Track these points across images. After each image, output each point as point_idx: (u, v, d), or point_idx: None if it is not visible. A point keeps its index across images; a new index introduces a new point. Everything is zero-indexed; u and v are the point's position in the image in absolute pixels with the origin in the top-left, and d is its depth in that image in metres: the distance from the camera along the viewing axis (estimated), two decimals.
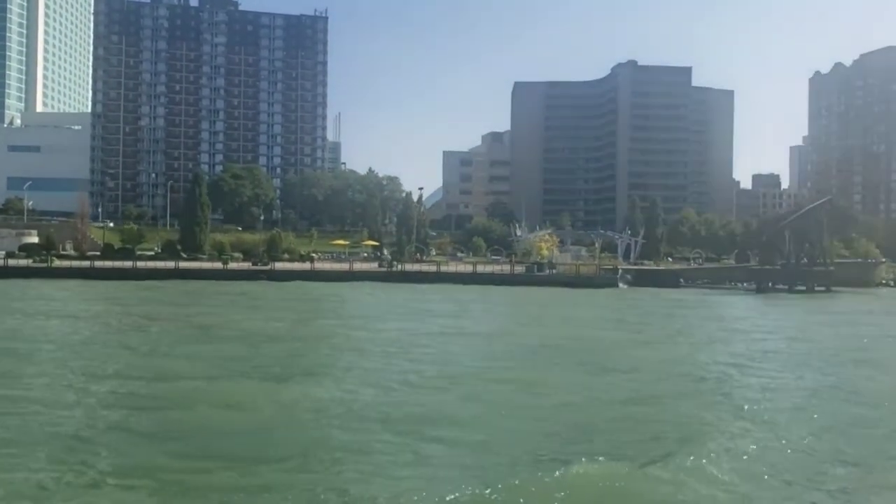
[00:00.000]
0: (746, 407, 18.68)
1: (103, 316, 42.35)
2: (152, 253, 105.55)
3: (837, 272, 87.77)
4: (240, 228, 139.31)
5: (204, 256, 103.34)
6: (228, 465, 12.87)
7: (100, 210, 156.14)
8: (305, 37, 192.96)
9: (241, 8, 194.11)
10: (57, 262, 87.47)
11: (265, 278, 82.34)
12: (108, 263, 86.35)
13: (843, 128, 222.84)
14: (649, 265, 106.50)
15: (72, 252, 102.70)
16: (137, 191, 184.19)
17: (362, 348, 29.05)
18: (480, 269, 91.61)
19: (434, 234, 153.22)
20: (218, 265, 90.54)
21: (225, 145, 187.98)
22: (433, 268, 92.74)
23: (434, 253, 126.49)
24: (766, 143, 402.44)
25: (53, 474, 12.17)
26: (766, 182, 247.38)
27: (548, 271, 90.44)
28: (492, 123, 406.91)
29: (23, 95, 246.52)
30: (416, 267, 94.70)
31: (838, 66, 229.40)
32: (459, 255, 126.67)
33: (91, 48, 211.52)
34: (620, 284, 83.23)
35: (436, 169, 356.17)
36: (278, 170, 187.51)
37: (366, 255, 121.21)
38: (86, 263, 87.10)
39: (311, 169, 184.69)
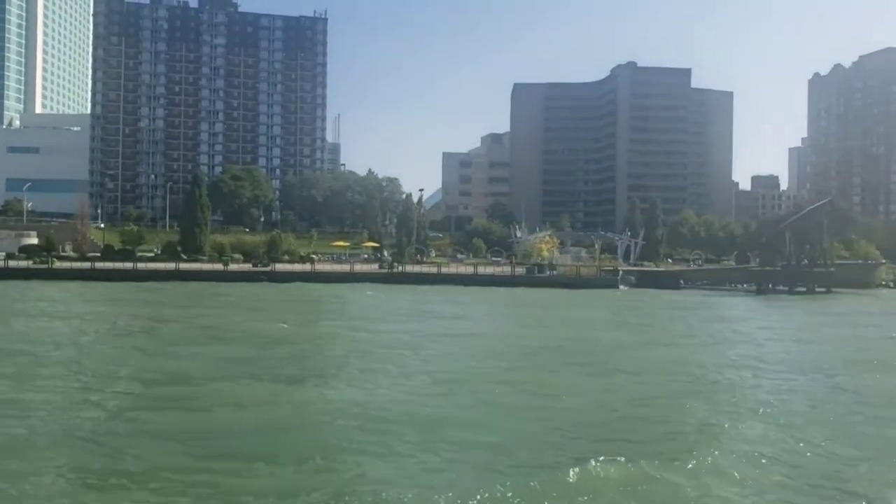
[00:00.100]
0: (762, 410, 18.68)
1: (108, 318, 42.32)
2: (152, 254, 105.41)
3: (838, 273, 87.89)
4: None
5: (204, 258, 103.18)
6: (247, 467, 12.96)
7: (99, 211, 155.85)
8: (305, 38, 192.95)
9: (240, 9, 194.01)
10: (57, 264, 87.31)
11: (266, 280, 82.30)
12: (109, 265, 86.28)
13: (842, 129, 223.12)
14: (649, 266, 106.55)
15: (72, 253, 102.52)
16: (136, 192, 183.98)
17: (369, 350, 29.09)
18: (481, 270, 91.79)
19: (434, 235, 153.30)
20: (218, 267, 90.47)
21: (224, 146, 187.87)
22: (434, 269, 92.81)
23: (434, 254, 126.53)
24: (765, 145, 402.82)
25: (73, 475, 12.21)
26: (765, 183, 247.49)
27: (548, 273, 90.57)
28: (491, 125, 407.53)
29: (22, 97, 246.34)
30: (416, 268, 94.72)
31: (837, 67, 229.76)
32: (459, 256, 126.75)
33: (90, 49, 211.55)
34: (621, 286, 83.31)
35: (435, 170, 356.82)
36: (278, 171, 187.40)
37: (366, 256, 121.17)
38: (86, 265, 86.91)
39: (311, 170, 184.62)
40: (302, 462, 13.23)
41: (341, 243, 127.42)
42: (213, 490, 11.80)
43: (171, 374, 22.39)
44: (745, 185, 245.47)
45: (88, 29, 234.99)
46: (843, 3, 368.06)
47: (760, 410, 18.84)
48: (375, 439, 14.92)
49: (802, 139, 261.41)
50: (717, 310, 58.70)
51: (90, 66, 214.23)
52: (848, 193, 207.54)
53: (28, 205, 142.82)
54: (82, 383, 20.96)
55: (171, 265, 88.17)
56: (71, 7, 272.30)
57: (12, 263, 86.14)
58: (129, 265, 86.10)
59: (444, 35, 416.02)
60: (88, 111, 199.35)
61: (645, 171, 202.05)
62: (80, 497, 11.34)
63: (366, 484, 12.05)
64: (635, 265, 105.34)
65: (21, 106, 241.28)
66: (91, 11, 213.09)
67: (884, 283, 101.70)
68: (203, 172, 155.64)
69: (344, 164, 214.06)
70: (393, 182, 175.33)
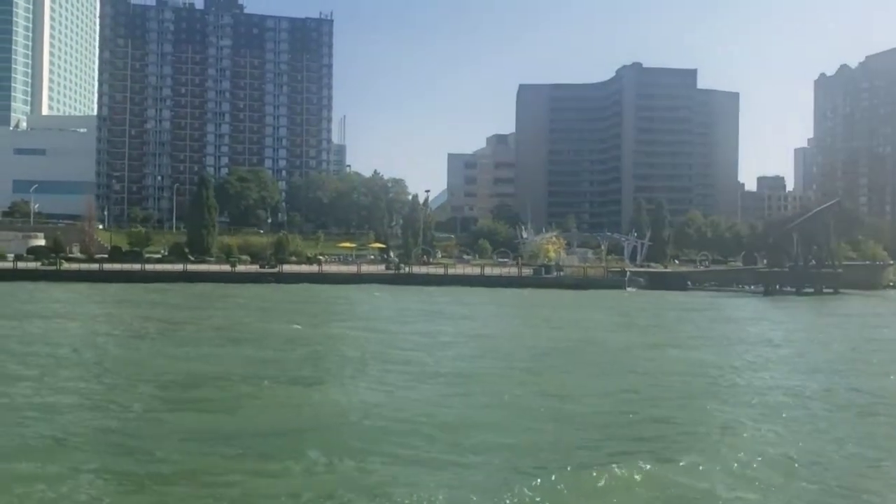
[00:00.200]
0: (782, 413, 18.66)
1: (121, 319, 42.52)
2: (159, 256, 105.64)
3: (845, 274, 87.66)
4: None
5: (211, 259, 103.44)
6: (278, 468, 13.08)
7: (105, 213, 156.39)
8: (310, 40, 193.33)
9: (246, 11, 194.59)
10: (65, 265, 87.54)
11: (273, 281, 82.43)
12: (117, 266, 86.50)
13: (848, 130, 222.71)
14: (656, 267, 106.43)
15: (79, 255, 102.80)
16: (143, 193, 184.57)
17: (383, 351, 29.19)
18: (487, 271, 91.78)
19: (445, 236, 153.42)
20: (226, 268, 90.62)
21: (230, 148, 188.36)
22: (441, 270, 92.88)
23: (440, 255, 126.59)
24: (770, 146, 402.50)
25: (108, 477, 12.31)
26: (770, 184, 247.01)
27: (555, 273, 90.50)
28: (496, 126, 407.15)
29: (29, 98, 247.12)
30: (423, 269, 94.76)
31: (844, 67, 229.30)
32: (465, 257, 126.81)
33: (97, 51, 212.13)
34: (629, 288, 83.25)
35: (440, 171, 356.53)
36: (283, 172, 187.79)
37: (372, 257, 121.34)
38: (94, 266, 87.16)
39: (317, 171, 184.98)
40: (330, 463, 13.31)
41: (347, 244, 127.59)
42: (244, 491, 11.89)
43: (191, 375, 22.52)
44: (750, 185, 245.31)
45: (95, 31, 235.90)
46: (849, 4, 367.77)
47: (781, 413, 18.83)
48: (400, 441, 15.02)
49: (808, 140, 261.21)
50: (726, 311, 58.61)
51: (96, 67, 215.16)
52: (854, 194, 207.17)
53: (35, 206, 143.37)
54: (106, 385, 21.09)
55: (178, 266, 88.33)
56: (77, 9, 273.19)
57: (21, 265, 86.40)
58: (136, 267, 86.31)
59: (448, 36, 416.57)
60: (95, 113, 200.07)
61: (650, 172, 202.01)
62: (117, 499, 11.43)
63: (396, 486, 12.13)
64: (642, 266, 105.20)
65: (28, 108, 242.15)
66: (97, 13, 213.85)
67: (891, 283, 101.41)
68: (209, 174, 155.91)
69: (349, 166, 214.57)
70: (398, 183, 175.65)
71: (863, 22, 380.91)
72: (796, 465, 14.22)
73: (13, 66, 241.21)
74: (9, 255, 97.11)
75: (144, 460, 13.38)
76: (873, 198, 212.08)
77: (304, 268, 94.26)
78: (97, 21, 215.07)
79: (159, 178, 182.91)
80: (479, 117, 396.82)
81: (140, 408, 17.75)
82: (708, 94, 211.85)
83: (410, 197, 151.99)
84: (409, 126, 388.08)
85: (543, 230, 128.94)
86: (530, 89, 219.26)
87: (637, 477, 12.75)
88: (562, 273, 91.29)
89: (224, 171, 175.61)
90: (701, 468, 13.64)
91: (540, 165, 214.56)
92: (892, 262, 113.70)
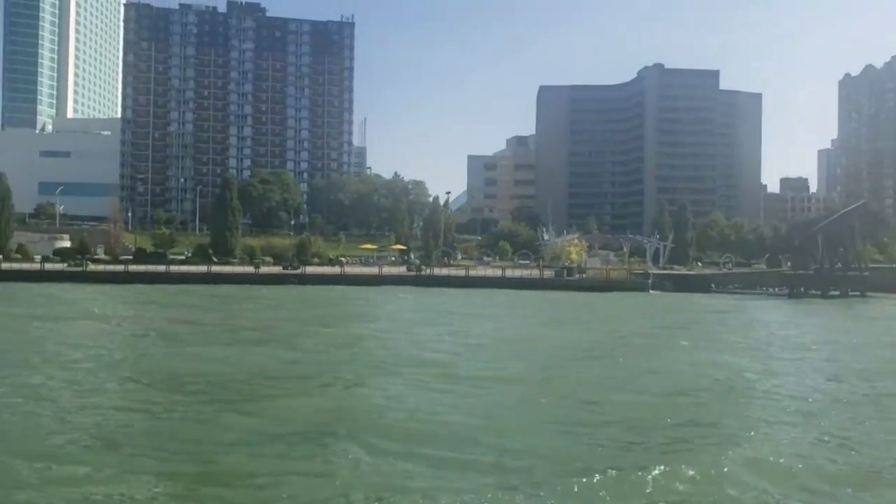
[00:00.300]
0: (819, 420, 18.45)
1: (150, 320, 43.01)
2: (183, 257, 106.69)
3: (872, 277, 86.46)
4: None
5: (235, 260, 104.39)
6: (320, 468, 13.19)
7: (129, 214, 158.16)
8: (332, 42, 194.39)
9: (268, 14, 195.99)
10: (91, 267, 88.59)
11: (296, 282, 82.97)
12: (142, 268, 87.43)
13: (873, 130, 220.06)
14: (679, 270, 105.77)
15: (104, 256, 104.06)
16: (166, 195, 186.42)
17: (413, 353, 29.30)
18: (509, 273, 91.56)
19: (468, 238, 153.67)
20: (249, 269, 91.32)
21: (253, 150, 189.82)
22: (462, 272, 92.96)
23: (460, 257, 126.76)
24: (794, 147, 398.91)
25: (156, 477, 12.45)
26: (794, 186, 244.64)
27: (577, 276, 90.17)
28: (516, 127, 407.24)
29: (54, 102, 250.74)
30: (444, 271, 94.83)
31: (869, 67, 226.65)
32: (486, 259, 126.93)
33: (121, 54, 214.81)
34: (652, 290, 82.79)
35: (460, 173, 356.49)
36: (305, 174, 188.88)
37: (393, 259, 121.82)
38: (119, 268, 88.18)
39: (338, 173, 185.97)
40: (376, 464, 13.41)
41: (368, 246, 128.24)
42: (292, 492, 11.98)
43: (227, 376, 22.71)
44: (773, 187, 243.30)
45: (119, 35, 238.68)
46: (874, 3, 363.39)
47: (820, 419, 18.58)
48: (441, 443, 15.09)
49: (832, 141, 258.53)
50: (752, 314, 58.11)
51: (120, 71, 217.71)
52: (879, 196, 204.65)
53: (60, 208, 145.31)
54: (145, 386, 21.33)
55: (202, 268, 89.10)
56: (101, 13, 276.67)
57: (47, 266, 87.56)
58: (161, 268, 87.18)
59: (468, 37, 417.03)
60: (119, 115, 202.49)
61: (673, 174, 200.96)
62: (172, 500, 11.59)
63: (442, 491, 12.14)
64: (665, 268, 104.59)
65: (53, 111, 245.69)
66: (121, 17, 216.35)
67: None
68: (232, 176, 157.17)
69: (370, 168, 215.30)
70: (419, 185, 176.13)
71: (888, 22, 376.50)
72: (841, 471, 14.07)
73: (39, 69, 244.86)
74: (35, 256, 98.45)
75: (193, 461, 13.52)
76: None
77: (327, 269, 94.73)
78: (121, 25, 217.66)
79: (182, 180, 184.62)
80: (499, 119, 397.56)
81: (182, 409, 17.94)
82: (731, 95, 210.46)
83: (431, 199, 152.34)
84: (429, 128, 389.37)
85: (564, 232, 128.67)
86: (551, 90, 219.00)
87: (678, 482, 12.68)
88: (584, 275, 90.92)
89: (246, 173, 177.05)
90: (742, 474, 13.54)
91: (561, 167, 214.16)
92: None
